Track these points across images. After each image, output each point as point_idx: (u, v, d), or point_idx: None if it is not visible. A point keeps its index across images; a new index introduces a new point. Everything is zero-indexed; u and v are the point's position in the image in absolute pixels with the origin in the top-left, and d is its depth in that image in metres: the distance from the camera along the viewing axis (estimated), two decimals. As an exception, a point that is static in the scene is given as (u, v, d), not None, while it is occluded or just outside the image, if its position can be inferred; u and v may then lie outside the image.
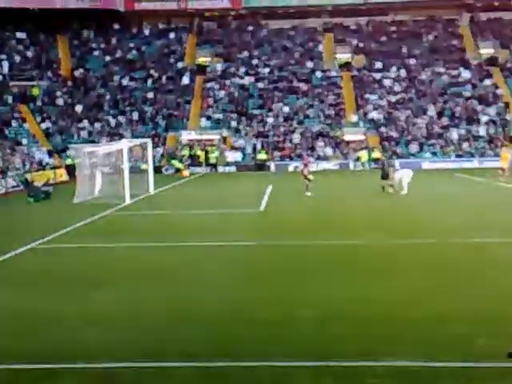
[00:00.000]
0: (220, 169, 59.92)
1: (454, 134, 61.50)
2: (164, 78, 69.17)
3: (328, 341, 11.02)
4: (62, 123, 64.33)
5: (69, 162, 53.88)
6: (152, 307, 13.40)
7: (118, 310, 13.31)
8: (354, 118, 64.08)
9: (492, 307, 12.72)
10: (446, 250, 18.96)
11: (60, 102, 66.53)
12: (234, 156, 61.33)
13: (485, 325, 11.65)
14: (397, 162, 39.01)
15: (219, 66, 70.79)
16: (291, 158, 60.78)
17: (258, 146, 61.84)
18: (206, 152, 60.72)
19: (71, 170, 49.92)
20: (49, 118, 64.55)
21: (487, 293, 13.82)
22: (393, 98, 65.88)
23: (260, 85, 68.30)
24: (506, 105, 64.13)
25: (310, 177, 35.28)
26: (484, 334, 11.04)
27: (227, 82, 68.67)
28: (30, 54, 70.97)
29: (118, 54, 72.50)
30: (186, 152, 60.93)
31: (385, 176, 35.79)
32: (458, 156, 59.90)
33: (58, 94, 67.25)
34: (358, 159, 59.67)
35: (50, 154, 58.64)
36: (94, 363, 10.19)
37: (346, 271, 16.39)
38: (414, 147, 60.46)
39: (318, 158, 59.97)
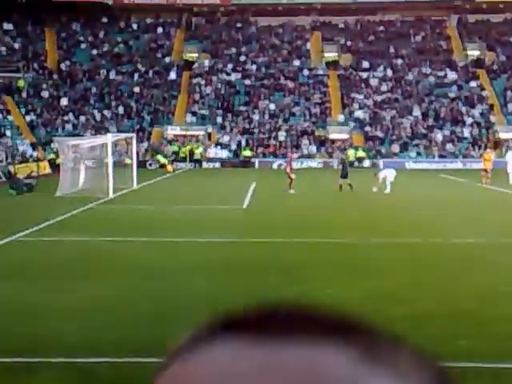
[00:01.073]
0: (204, 165, 59.83)
1: (439, 135, 61.74)
2: (151, 73, 69.03)
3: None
4: (46, 116, 64.05)
5: (51, 156, 53.69)
6: (134, 302, 13.32)
7: (98, 304, 13.22)
8: (340, 117, 64.18)
9: (473, 307, 12.75)
10: (429, 249, 19.00)
11: (45, 94, 66.24)
12: (218, 152, 61.26)
13: (465, 325, 11.67)
14: (381, 162, 39.04)
15: (206, 62, 70.69)
16: (276, 156, 60.80)
17: (243, 143, 61.79)
18: (191, 148, 60.63)
19: (53, 164, 49.82)
20: (33, 110, 64.27)
21: (469, 293, 13.86)
22: (379, 98, 66.05)
23: (247, 82, 68.29)
24: (491, 107, 64.46)
25: (293, 175, 35.24)
26: (465, 335, 11.06)
27: (214, 78, 68.62)
28: (16, 45, 70.63)
29: (106, 48, 72.31)
30: (174, 148, 60.68)
31: (344, 175, 36.05)
32: (442, 156, 60.11)
33: (44, 86, 66.98)
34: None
35: (33, 146, 58.35)
36: (74, 358, 10.11)
37: (328, 269, 16.37)
38: (398, 147, 60.64)
39: (303, 156, 60.03)
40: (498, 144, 59.75)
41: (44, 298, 13.57)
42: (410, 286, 14.46)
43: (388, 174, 35.39)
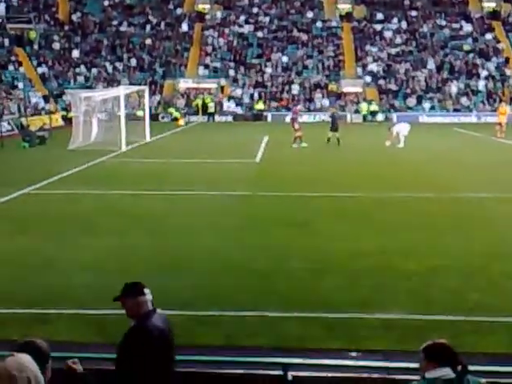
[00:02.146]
0: (217, 118, 59.62)
1: (453, 88, 61.15)
2: (163, 25, 68.38)
3: (320, 292, 11.03)
4: (58, 68, 63.75)
5: (63, 113, 53.74)
6: (144, 255, 13.38)
7: (109, 256, 13.30)
8: (357, 71, 63.57)
9: (485, 263, 12.74)
10: (442, 204, 18.95)
11: (57, 46, 65.84)
12: (231, 106, 60.97)
13: (477, 280, 11.68)
14: (394, 116, 38.65)
15: (219, 14, 69.95)
16: (289, 109, 60.47)
17: (256, 96, 61.44)
18: (203, 101, 60.32)
19: (65, 118, 49.91)
20: (45, 62, 63.95)
21: (478, 248, 13.85)
22: (393, 51, 65.32)
23: (259, 34, 67.59)
24: (507, 60, 63.66)
25: (299, 133, 35.01)
26: (476, 289, 11.07)
27: (226, 30, 67.95)
28: (27, -4, 70.01)
29: (117, -1, 71.56)
30: (198, 101, 60.07)
31: (334, 128, 35.85)
32: (456, 110, 59.63)
33: (55, 38, 66.50)
34: (357, 111, 59.42)
35: (45, 98, 58.23)
36: (85, 309, 10.20)
37: (340, 223, 16.38)
38: (412, 100, 60.14)
39: (315, 110, 59.70)
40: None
41: (56, 252, 13.65)
42: (422, 241, 14.45)
43: (402, 128, 35.18)
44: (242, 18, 69.28)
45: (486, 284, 11.43)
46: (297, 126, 35.38)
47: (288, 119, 57.87)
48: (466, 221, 16.69)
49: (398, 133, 34.90)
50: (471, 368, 4.93)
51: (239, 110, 60.62)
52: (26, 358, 3.51)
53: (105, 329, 9.44)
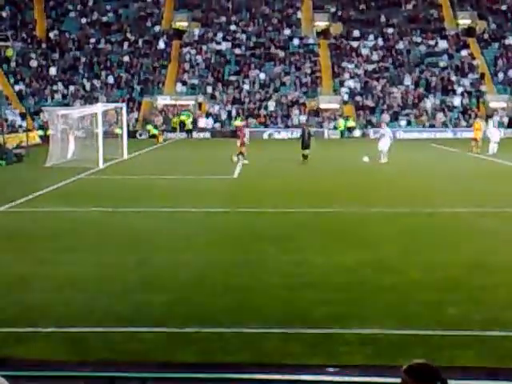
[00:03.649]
0: (194, 135, 59.62)
1: (429, 104, 61.65)
2: (140, 42, 68.48)
3: (299, 307, 11.02)
4: (35, 85, 63.56)
5: (40, 132, 53.53)
6: (123, 272, 13.31)
7: (88, 274, 13.21)
8: (334, 87, 63.92)
9: (462, 276, 12.81)
10: (419, 218, 19.05)
11: (34, 63, 65.70)
12: (209, 122, 61.04)
13: (455, 292, 11.72)
14: (386, 128, 37.41)
15: (196, 31, 70.12)
16: (266, 126, 60.68)
17: (234, 113, 61.57)
18: (180, 118, 60.34)
19: (43, 136, 49.72)
20: (22, 79, 63.78)
21: (458, 260, 13.92)
22: (369, 67, 65.78)
23: (237, 51, 67.86)
24: (482, 76, 64.31)
25: (243, 149, 35.08)
26: (453, 303, 11.11)
27: (204, 48, 68.12)
28: (4, 13, 69.88)
29: (95, 16, 71.60)
30: (176, 119, 60.08)
31: (305, 144, 34.84)
32: (432, 126, 60.09)
33: (33, 55, 66.35)
34: (334, 127, 59.70)
35: (22, 116, 57.95)
36: (64, 327, 10.12)
37: (319, 238, 16.42)
38: (388, 116, 60.52)
39: (293, 126, 59.94)
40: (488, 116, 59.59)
41: (33, 269, 13.53)
42: (399, 255, 14.51)
43: (382, 145, 35.38)
44: (220, 35, 69.52)
45: (464, 298, 11.47)
46: (245, 141, 35.56)
47: (266, 136, 58.27)
48: (444, 235, 16.78)
49: (381, 149, 35.08)
50: (450, 382, 4.95)
51: (217, 127, 60.72)
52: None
53: (82, 347, 9.38)
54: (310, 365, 8.00)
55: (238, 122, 59.38)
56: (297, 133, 56.94)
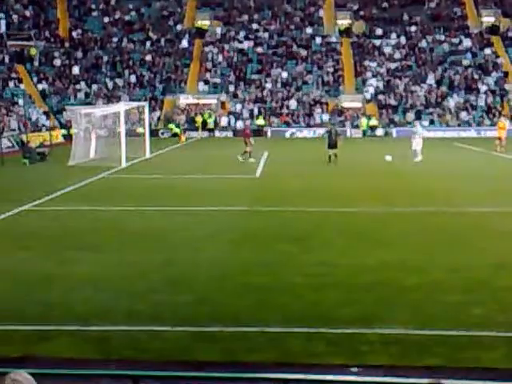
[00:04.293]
0: (217, 134, 59.68)
1: (452, 103, 61.27)
2: (163, 41, 68.64)
3: (322, 307, 10.99)
4: (58, 84, 63.92)
5: (63, 131, 53.91)
6: (145, 271, 13.34)
7: (110, 272, 13.26)
8: (357, 86, 63.72)
9: (487, 276, 12.70)
10: (442, 218, 18.92)
11: (57, 62, 66.07)
12: (231, 121, 61.07)
13: (479, 293, 11.63)
14: (419, 128, 37.10)
15: (218, 30, 70.19)
16: (288, 125, 60.63)
17: (256, 112, 61.56)
18: (203, 116, 60.44)
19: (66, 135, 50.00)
20: (46, 78, 64.15)
21: (482, 262, 13.80)
22: (392, 66, 65.50)
23: (259, 49, 67.82)
24: (506, 74, 63.82)
25: (249, 148, 35.22)
26: (477, 303, 11.03)
27: (226, 46, 68.17)
28: (28, 13, 70.28)
29: (117, 15, 71.88)
30: (198, 118, 60.29)
31: (332, 144, 34.29)
32: (456, 125, 59.72)
33: (56, 54, 66.73)
34: (356, 126, 59.54)
35: (46, 115, 58.33)
36: (87, 326, 10.16)
37: (342, 238, 16.35)
38: (411, 115, 60.23)
39: (315, 125, 59.88)
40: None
41: (57, 268, 13.61)
42: (423, 255, 14.42)
43: (415, 144, 35.41)
44: (242, 33, 69.53)
45: (488, 298, 11.38)
46: (252, 141, 35.61)
47: (288, 135, 58.26)
48: (468, 235, 16.66)
49: (415, 149, 35.09)
50: (473, 383, 4.93)
51: (239, 126, 60.75)
52: (23, 377, 3.47)
53: (106, 345, 9.42)
54: (333, 364, 7.97)
55: (259, 121, 59.41)
56: (319, 132, 57.21)
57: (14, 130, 50.83)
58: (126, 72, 65.33)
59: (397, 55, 66.65)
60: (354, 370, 6.73)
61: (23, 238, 16.56)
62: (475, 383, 5.29)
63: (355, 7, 71.77)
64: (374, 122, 59.17)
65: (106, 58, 66.65)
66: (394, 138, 56.38)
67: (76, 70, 65.27)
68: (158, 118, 61.12)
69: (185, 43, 68.50)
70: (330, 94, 63.27)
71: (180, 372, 5.90)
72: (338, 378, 6.22)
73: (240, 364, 7.99)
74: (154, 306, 11.08)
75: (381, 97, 62.70)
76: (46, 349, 9.29)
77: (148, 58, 66.62)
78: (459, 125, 59.65)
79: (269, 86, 64.28)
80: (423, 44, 67.54)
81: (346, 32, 69.72)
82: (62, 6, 72.49)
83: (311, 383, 6.04)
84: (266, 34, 69.52)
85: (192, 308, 10.97)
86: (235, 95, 63.70)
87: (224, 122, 60.78)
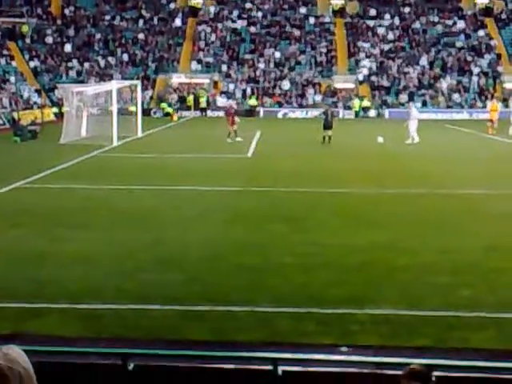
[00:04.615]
0: (209, 113, 59.52)
1: (445, 85, 61.21)
2: (155, 19, 68.22)
3: (312, 287, 11.02)
4: (50, 62, 63.54)
5: (54, 110, 53.67)
6: (135, 249, 13.34)
7: (100, 251, 13.26)
8: (349, 66, 63.55)
9: (476, 258, 12.75)
10: (434, 200, 18.97)
11: (49, 40, 65.63)
12: (223, 101, 60.82)
13: (469, 275, 11.68)
14: (413, 109, 37.07)
15: (212, 9, 69.79)
16: (281, 105, 60.50)
17: (249, 92, 61.38)
18: (195, 96, 60.21)
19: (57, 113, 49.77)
20: (37, 56, 63.74)
21: (472, 244, 13.85)
22: (385, 47, 65.35)
23: (252, 29, 67.51)
24: (499, 56, 63.76)
25: (235, 127, 35.28)
26: (468, 285, 11.07)
27: (219, 26, 67.82)
28: (19, -11, 69.67)
29: (110, -7, 71.28)
30: (191, 97, 60.07)
31: (328, 126, 34.45)
32: (448, 107, 59.70)
33: (48, 32, 66.26)
34: (349, 107, 59.44)
35: (37, 92, 58.03)
36: (77, 304, 10.17)
37: (333, 219, 16.37)
38: (404, 97, 60.14)
39: (308, 106, 59.78)
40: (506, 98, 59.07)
41: (48, 245, 13.61)
42: (414, 237, 14.46)
43: (411, 124, 35.39)
44: (235, 13, 69.18)
45: (478, 280, 11.43)
46: (237, 120, 35.65)
47: (280, 115, 58.14)
48: (460, 217, 16.70)
49: (409, 129, 35.07)
50: (462, 363, 4.98)
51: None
52: (15, 351, 3.44)
53: (95, 323, 9.43)
54: (323, 344, 8.01)
55: (252, 101, 59.26)
56: (311, 112, 57.16)
57: (5, 107, 50.56)
58: (119, 50, 64.95)
59: (390, 36, 66.47)
60: (344, 349, 6.76)
61: (14, 216, 16.53)
62: (466, 363, 5.32)
63: (349, -13, 71.42)
64: (366, 103, 59.07)
65: (98, 36, 66.22)
66: (386, 120, 56.34)
67: (68, 47, 64.85)
68: (151, 97, 60.88)
69: (178, 22, 68.11)
70: (323, 74, 63.09)
71: (169, 350, 5.91)
72: (328, 358, 6.25)
73: (229, 343, 8.02)
74: (144, 285, 11.09)
75: (374, 78, 62.58)
76: (36, 326, 9.31)
77: (141, 36, 66.25)
78: (451, 106, 59.63)
79: (262, 65, 64.06)
80: (417, 25, 67.35)
81: (339, 12, 69.42)
82: (54, -17, 71.91)
83: (301, 362, 6.06)
84: (260, 14, 69.19)
85: (182, 287, 10.98)
86: (228, 75, 63.47)
87: (221, 102, 60.09)
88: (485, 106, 54.82)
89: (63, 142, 34.07)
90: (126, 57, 64.38)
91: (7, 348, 3.37)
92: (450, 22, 67.45)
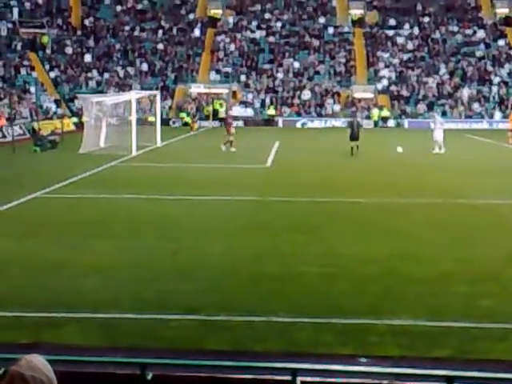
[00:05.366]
0: (228, 123, 59.48)
1: (465, 95, 60.95)
2: (175, 30, 68.50)
3: (330, 297, 10.97)
4: (70, 72, 63.96)
5: (74, 120, 53.92)
6: (154, 259, 13.35)
7: (120, 260, 13.28)
8: (369, 76, 63.44)
9: (496, 268, 12.65)
10: (452, 210, 18.85)
11: (69, 50, 66.06)
12: (242, 111, 60.87)
13: (487, 285, 11.58)
14: (438, 118, 37.11)
15: (231, 19, 69.99)
16: (300, 115, 60.50)
17: (267, 102, 61.43)
18: (213, 106, 60.29)
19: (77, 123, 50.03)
20: (57, 66, 64.18)
21: (490, 253, 13.75)
22: (405, 57, 65.21)
23: (271, 39, 67.62)
24: (519, 66, 63.43)
25: (231, 137, 35.58)
26: (487, 295, 10.97)
27: (238, 36, 67.99)
28: (40, 0, 70.27)
29: (129, 4, 71.72)
30: (209, 108, 60.15)
31: (355, 136, 33.91)
32: (468, 116, 59.42)
33: (68, 42, 66.72)
34: (368, 117, 59.35)
35: (57, 103, 58.40)
36: (96, 313, 10.18)
37: (351, 228, 16.32)
38: (423, 107, 59.94)
39: (327, 115, 59.76)
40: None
41: (67, 255, 13.64)
42: (433, 247, 14.37)
43: (436, 135, 35.29)
44: (254, 23, 69.33)
45: (498, 290, 11.33)
46: (232, 131, 35.89)
47: (299, 125, 58.11)
48: (478, 227, 16.58)
49: (436, 140, 34.93)
50: (483, 375, 4.91)
51: (250, 115, 60.57)
52: (38, 360, 3.45)
53: (114, 332, 9.43)
54: (341, 355, 7.96)
55: (271, 111, 59.28)
56: (330, 122, 57.13)
57: (25, 117, 50.90)
58: (138, 61, 65.27)
59: (409, 46, 66.34)
60: (363, 360, 6.71)
61: (34, 225, 16.60)
62: (486, 375, 5.26)
63: (368, -3, 71.40)
64: (385, 112, 58.95)
65: (118, 47, 66.61)
66: (405, 129, 56.17)
67: (88, 58, 65.26)
68: (170, 107, 61.08)
69: (197, 32, 68.35)
70: (342, 84, 63.05)
71: (187, 360, 5.89)
72: (347, 368, 6.20)
73: (248, 353, 7.99)
74: (162, 294, 11.08)
75: (393, 88, 62.44)
76: (54, 335, 9.32)
77: (160, 46, 66.54)
78: (471, 116, 59.35)
79: (280, 75, 64.12)
80: (436, 35, 67.16)
81: (358, 22, 69.39)
82: (74, -6, 72.42)
83: (319, 373, 6.02)
84: (279, 24, 69.29)
85: (200, 297, 10.96)
86: (247, 85, 63.58)
87: (235, 111, 59.82)
88: (505, 116, 54.46)
89: (83, 151, 34.23)
90: (145, 67, 64.66)
91: (31, 356, 3.39)
92: (469, 32, 67.21)
